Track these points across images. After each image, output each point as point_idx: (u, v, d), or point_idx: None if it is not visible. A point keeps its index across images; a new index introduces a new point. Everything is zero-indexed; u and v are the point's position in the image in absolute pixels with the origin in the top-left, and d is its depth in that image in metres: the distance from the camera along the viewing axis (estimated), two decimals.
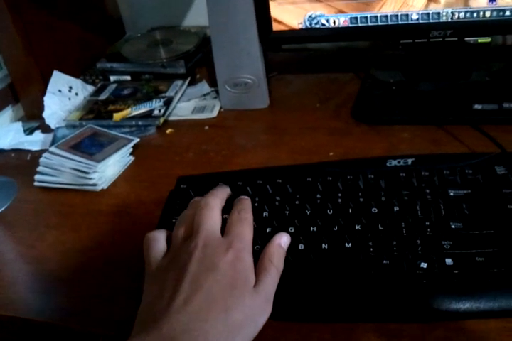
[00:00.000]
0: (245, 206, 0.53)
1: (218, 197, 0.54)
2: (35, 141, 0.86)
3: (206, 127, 0.84)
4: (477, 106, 0.76)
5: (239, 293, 0.45)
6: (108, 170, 0.73)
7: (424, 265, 0.48)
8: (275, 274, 0.48)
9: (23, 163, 0.81)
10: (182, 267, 0.46)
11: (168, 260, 0.49)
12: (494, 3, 0.74)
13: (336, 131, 0.78)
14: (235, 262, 0.47)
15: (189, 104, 0.91)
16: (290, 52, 1.04)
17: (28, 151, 0.84)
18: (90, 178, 0.71)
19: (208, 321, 0.42)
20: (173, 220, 0.57)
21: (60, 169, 0.73)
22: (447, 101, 0.79)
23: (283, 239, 0.51)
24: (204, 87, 0.95)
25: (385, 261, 0.49)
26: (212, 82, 0.91)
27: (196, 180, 0.64)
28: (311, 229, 0.54)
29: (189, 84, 0.95)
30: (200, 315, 0.42)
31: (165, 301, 0.44)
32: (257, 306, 0.45)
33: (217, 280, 0.45)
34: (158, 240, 0.51)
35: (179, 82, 0.94)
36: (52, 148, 0.75)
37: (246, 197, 0.55)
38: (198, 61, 1.01)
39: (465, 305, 0.46)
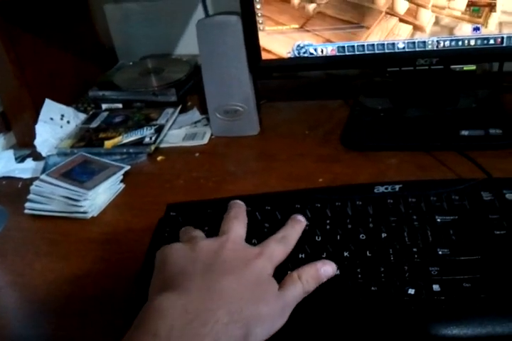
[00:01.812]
0: (293, 233, 0.54)
1: (241, 213, 0.56)
2: (27, 168, 0.86)
3: (197, 154, 0.85)
4: (464, 133, 0.77)
5: (264, 289, 0.46)
6: (98, 197, 0.73)
7: (411, 291, 0.48)
8: (299, 288, 0.48)
9: (14, 190, 0.81)
10: (212, 257, 0.47)
11: (192, 248, 0.49)
12: (478, 31, 0.76)
13: (325, 157, 0.79)
14: (262, 269, 0.48)
15: (180, 131, 0.92)
16: (280, 80, 1.06)
17: (19, 179, 0.84)
18: (80, 206, 0.71)
19: (240, 300, 0.43)
20: None
21: (50, 197, 0.73)
22: (434, 127, 0.80)
23: (326, 268, 0.50)
24: (195, 114, 0.96)
25: (373, 288, 0.49)
26: (203, 110, 0.92)
27: (186, 208, 0.64)
28: (300, 255, 0.54)
29: (180, 112, 0.97)
30: (234, 296, 0.43)
31: (197, 274, 0.45)
32: (278, 308, 0.45)
33: (245, 272, 0.46)
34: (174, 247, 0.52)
35: (170, 110, 0.95)
36: (43, 176, 0.75)
37: (302, 220, 0.56)
38: (189, 89, 1.02)
39: (453, 331, 0.46)
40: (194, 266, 0.47)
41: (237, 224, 0.54)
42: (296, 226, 0.55)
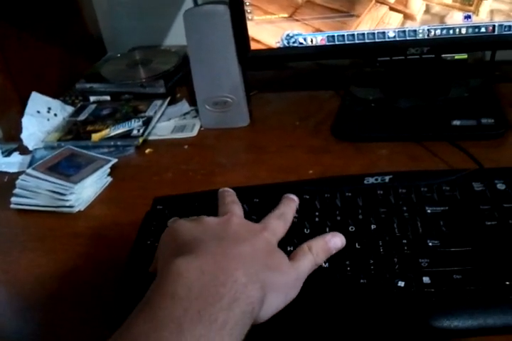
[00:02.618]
0: (289, 210, 0.54)
1: (232, 195, 0.56)
2: (13, 162, 0.85)
3: (186, 146, 0.84)
4: (456, 122, 0.76)
5: (277, 259, 0.46)
6: (85, 191, 0.72)
7: (401, 284, 0.48)
8: (311, 260, 0.48)
9: (0, 185, 0.80)
10: (222, 228, 0.47)
11: (201, 223, 0.49)
12: (470, 20, 0.75)
13: (315, 148, 0.78)
14: (270, 241, 0.48)
15: (169, 123, 0.91)
16: (270, 71, 1.05)
17: (6, 173, 0.83)
18: (67, 200, 0.70)
19: (256, 264, 0.43)
20: (148, 242, 0.57)
21: (36, 191, 0.72)
22: (426, 117, 0.79)
23: (334, 239, 0.51)
24: (184, 106, 0.94)
25: (362, 280, 0.49)
26: (193, 101, 0.91)
27: (173, 201, 0.63)
28: (288, 248, 0.52)
29: (169, 104, 0.95)
30: (252, 259, 0.43)
31: (212, 240, 0.45)
32: (291, 278, 0.46)
33: (256, 241, 0.46)
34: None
35: (159, 102, 0.94)
36: (29, 170, 0.74)
37: (295, 198, 0.57)
38: (178, 80, 1.01)
39: (443, 324, 0.45)
40: (206, 234, 0.46)
41: (236, 206, 0.53)
42: (291, 204, 0.55)
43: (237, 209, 0.53)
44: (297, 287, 0.46)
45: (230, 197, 0.56)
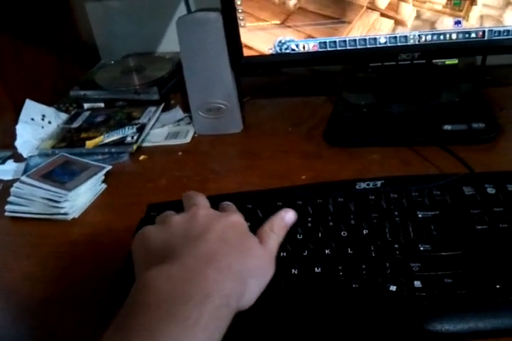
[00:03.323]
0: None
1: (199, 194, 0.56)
2: (8, 170, 0.85)
3: (180, 153, 0.84)
4: (447, 127, 0.77)
5: (248, 243, 0.47)
6: (79, 198, 0.72)
7: (393, 288, 0.48)
8: (275, 238, 0.50)
9: None
10: (188, 225, 0.48)
11: (167, 225, 0.49)
12: (460, 25, 0.76)
13: (308, 154, 0.79)
14: (240, 224, 0.49)
15: (163, 130, 0.91)
16: (263, 77, 1.05)
17: (0, 181, 0.83)
18: (61, 207, 0.70)
19: (226, 256, 0.44)
20: None
21: (31, 198, 0.72)
22: (417, 122, 0.80)
23: (288, 214, 0.52)
24: (178, 112, 0.95)
25: (354, 285, 0.49)
26: (187, 108, 0.91)
27: (167, 208, 0.63)
28: (281, 254, 0.53)
29: (163, 110, 0.96)
30: (220, 252, 0.44)
31: (177, 236, 0.46)
32: (265, 259, 0.47)
33: (224, 230, 0.47)
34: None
35: (153, 108, 0.94)
36: (23, 178, 0.74)
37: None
38: (172, 87, 1.01)
39: (435, 328, 0.46)
40: (173, 238, 0.47)
41: (200, 197, 0.54)
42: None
43: (201, 200, 0.54)
44: (272, 267, 0.48)
45: (192, 192, 0.57)
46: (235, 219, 0.50)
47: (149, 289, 0.41)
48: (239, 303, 0.43)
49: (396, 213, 0.56)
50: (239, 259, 0.45)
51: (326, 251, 0.53)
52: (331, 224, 0.56)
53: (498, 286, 0.47)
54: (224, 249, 0.45)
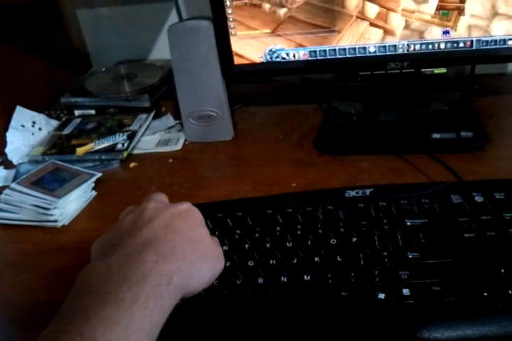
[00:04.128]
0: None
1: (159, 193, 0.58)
2: None
3: (170, 160, 0.85)
4: (435, 136, 0.78)
5: (201, 232, 0.49)
6: (69, 205, 0.72)
7: (381, 296, 0.48)
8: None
9: None
10: (137, 216, 0.49)
11: (119, 223, 0.51)
12: (448, 35, 0.77)
13: (298, 161, 0.79)
14: (188, 212, 0.51)
15: (154, 137, 0.92)
16: (254, 84, 1.06)
17: None
18: (51, 214, 0.70)
19: (174, 242, 0.45)
20: None
21: (20, 206, 0.72)
22: (407, 130, 0.80)
23: None
24: (169, 120, 0.95)
25: (343, 293, 0.49)
26: (178, 115, 0.92)
27: None
28: (271, 262, 0.53)
29: (154, 117, 0.96)
30: (166, 238, 0.45)
31: (123, 235, 0.47)
32: (215, 249, 0.50)
33: (173, 218, 0.49)
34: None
35: (144, 116, 0.95)
36: (13, 185, 0.74)
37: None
38: (163, 94, 1.01)
39: (423, 335, 0.46)
40: (121, 233, 0.48)
41: (157, 195, 0.56)
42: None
43: (156, 196, 0.55)
44: (222, 260, 0.50)
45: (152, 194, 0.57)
46: (185, 207, 0.51)
47: (87, 279, 0.42)
48: (186, 284, 0.44)
49: (385, 221, 0.56)
50: (186, 244, 0.46)
51: (315, 259, 0.53)
52: (320, 231, 0.56)
53: (485, 294, 0.47)
54: (168, 234, 0.46)
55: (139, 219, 0.49)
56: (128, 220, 0.50)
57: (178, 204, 0.52)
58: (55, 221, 0.71)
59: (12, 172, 0.85)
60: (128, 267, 0.42)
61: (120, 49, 1.19)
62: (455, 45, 0.77)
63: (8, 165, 0.88)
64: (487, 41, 0.76)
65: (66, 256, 0.66)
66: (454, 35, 0.76)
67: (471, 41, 0.76)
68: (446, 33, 0.77)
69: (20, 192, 0.73)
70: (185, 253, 0.45)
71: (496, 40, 0.75)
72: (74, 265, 0.63)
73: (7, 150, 0.89)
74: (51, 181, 0.76)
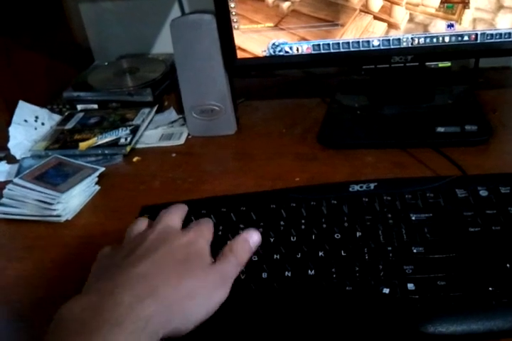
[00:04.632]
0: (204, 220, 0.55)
1: (180, 207, 0.56)
2: (1, 171, 0.85)
3: (173, 154, 0.84)
4: (440, 129, 0.77)
5: (191, 265, 0.46)
6: (72, 200, 0.72)
7: (386, 290, 0.48)
8: (234, 262, 0.48)
9: None
10: (135, 246, 0.47)
11: (122, 245, 0.51)
12: (452, 28, 0.76)
13: (301, 156, 0.79)
14: (190, 244, 0.48)
15: (157, 131, 0.91)
16: (257, 78, 1.05)
17: None
18: (54, 209, 0.70)
19: (156, 280, 0.43)
20: None
21: (23, 200, 0.72)
22: (411, 124, 0.80)
23: (252, 236, 0.52)
24: (172, 114, 0.95)
25: (347, 288, 0.49)
26: (181, 109, 0.91)
27: (159, 210, 0.63)
28: (275, 256, 0.53)
29: (157, 112, 0.96)
30: (148, 277, 0.43)
31: (113, 267, 0.45)
32: (211, 280, 0.46)
33: (169, 252, 0.46)
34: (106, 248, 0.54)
35: (146, 110, 0.94)
36: (16, 180, 0.74)
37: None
38: (166, 88, 1.01)
39: (428, 330, 0.46)
40: (116, 258, 0.47)
41: (167, 216, 0.53)
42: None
43: (166, 219, 0.52)
44: (221, 289, 0.46)
45: (171, 208, 0.56)
46: (191, 237, 0.49)
47: (62, 322, 0.40)
48: (167, 326, 0.42)
49: (389, 215, 0.56)
50: (171, 283, 0.44)
51: (320, 254, 0.53)
52: (324, 226, 0.56)
53: (491, 288, 0.47)
54: (154, 274, 0.44)
55: (137, 248, 0.47)
56: (129, 245, 0.49)
57: (187, 231, 0.50)
58: (59, 216, 0.70)
59: (15, 167, 0.85)
60: (105, 309, 0.40)
61: (122, 43, 1.18)
62: (460, 38, 0.76)
63: (11, 159, 0.88)
64: (492, 34, 0.75)
65: (70, 251, 0.66)
66: (458, 28, 0.76)
67: (476, 34, 0.76)
68: (450, 26, 0.76)
69: (24, 187, 0.72)
70: (167, 294, 0.43)
71: (500, 34, 0.75)
72: (77, 260, 0.64)
73: (10, 145, 0.88)
74: (54, 176, 0.75)
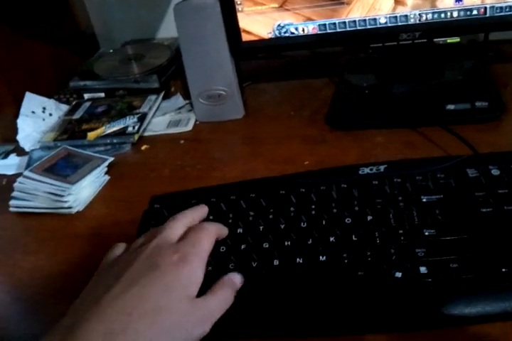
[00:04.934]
0: (210, 223, 0.53)
1: (188, 214, 0.53)
2: (11, 164, 0.85)
3: (182, 141, 0.84)
4: (450, 107, 0.76)
5: (175, 296, 0.44)
6: (83, 191, 0.72)
7: (398, 274, 0.48)
8: (222, 300, 0.47)
9: None
10: (126, 265, 0.46)
11: (117, 259, 0.49)
12: (461, 3, 0.74)
13: (310, 138, 0.78)
14: (180, 264, 0.45)
15: (164, 118, 0.91)
16: (263, 60, 1.04)
17: (4, 176, 0.83)
18: (65, 201, 0.70)
19: (131, 315, 0.41)
20: None
21: (34, 193, 0.72)
22: (421, 103, 0.79)
23: (236, 277, 0.50)
24: (178, 100, 0.94)
25: (359, 273, 0.49)
26: (187, 95, 0.91)
27: (170, 199, 0.63)
28: (286, 243, 0.53)
29: (164, 98, 0.95)
30: (125, 309, 0.41)
31: (95, 296, 0.43)
32: (193, 316, 0.43)
33: (155, 278, 0.44)
34: (117, 247, 0.53)
35: (153, 97, 0.94)
36: (26, 172, 0.74)
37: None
38: (172, 74, 1.00)
39: (442, 313, 0.46)
40: (96, 285, 0.47)
41: (169, 227, 0.51)
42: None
43: (166, 231, 0.50)
44: (204, 327, 0.44)
45: (178, 216, 0.53)
46: (182, 256, 0.46)
47: None
48: None
49: (400, 198, 0.55)
50: (148, 317, 0.42)
51: (331, 239, 0.52)
52: (334, 211, 0.56)
53: (504, 270, 0.47)
54: (132, 305, 0.42)
55: (123, 273, 0.45)
56: (113, 269, 0.47)
57: (183, 245, 0.48)
58: (70, 207, 0.71)
59: (25, 159, 0.85)
60: None
61: (127, 28, 1.18)
62: (468, 12, 0.75)
63: (20, 152, 0.88)
64: (501, 7, 0.73)
65: (82, 242, 0.66)
66: (466, 2, 0.74)
67: (485, 8, 0.74)
68: (458, 0, 0.74)
69: (34, 179, 0.73)
70: (142, 329, 0.41)
71: (510, 6, 0.73)
72: (90, 251, 0.64)
73: (18, 137, 0.88)
74: (64, 167, 0.76)
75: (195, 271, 0.46)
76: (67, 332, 0.41)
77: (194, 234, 0.50)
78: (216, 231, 0.52)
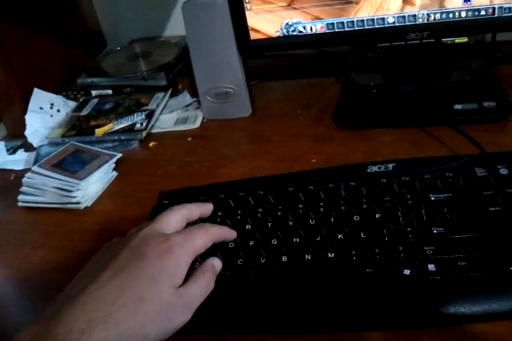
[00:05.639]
0: (213, 225, 0.53)
1: (187, 206, 0.53)
2: (19, 160, 0.86)
3: (189, 138, 0.84)
4: (457, 107, 0.76)
5: (159, 287, 0.44)
6: (91, 187, 0.73)
7: (407, 272, 0.48)
8: (204, 286, 0.47)
9: (7, 183, 0.81)
10: (114, 254, 0.46)
11: (108, 248, 0.50)
12: (469, 3, 0.74)
13: (317, 137, 0.78)
14: (166, 254, 0.45)
15: (172, 115, 0.91)
16: (272, 59, 1.04)
17: (12, 171, 0.83)
18: (73, 196, 0.70)
19: (114, 305, 0.41)
20: None
21: (43, 188, 0.72)
22: (428, 102, 0.79)
23: (215, 261, 0.50)
24: (186, 97, 0.94)
25: (368, 270, 0.49)
26: (195, 92, 0.91)
27: (178, 195, 0.64)
28: (294, 240, 0.53)
29: (171, 95, 0.95)
30: (107, 299, 0.41)
31: (82, 285, 0.44)
32: (175, 305, 0.44)
33: (139, 268, 0.44)
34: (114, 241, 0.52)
35: (161, 94, 0.94)
36: (35, 168, 0.74)
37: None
38: (179, 72, 1.00)
39: (449, 310, 0.46)
40: (85, 273, 0.47)
41: (164, 217, 0.50)
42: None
43: (159, 222, 0.49)
44: (185, 315, 0.44)
45: (184, 204, 0.53)
46: (169, 246, 0.46)
47: None
48: None
49: (408, 196, 0.56)
50: (130, 307, 0.42)
51: (339, 236, 0.53)
52: (343, 208, 0.56)
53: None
54: (114, 293, 0.42)
55: (109, 264, 0.45)
56: (102, 258, 0.47)
57: (174, 236, 0.47)
58: (78, 203, 0.71)
59: (33, 155, 0.86)
60: (55, 338, 0.39)
61: (134, 26, 1.18)
62: (476, 13, 0.75)
63: (28, 147, 0.89)
64: (510, 8, 0.73)
65: (90, 237, 0.66)
66: (475, 2, 0.74)
67: (493, 8, 0.74)
68: (467, 0, 0.74)
69: (42, 174, 0.73)
70: (123, 319, 0.41)
71: None
72: (98, 246, 0.64)
73: (27, 133, 0.89)
74: (72, 163, 0.76)
75: (180, 262, 0.46)
76: (51, 318, 0.41)
77: (190, 229, 0.50)
78: (216, 233, 0.51)
